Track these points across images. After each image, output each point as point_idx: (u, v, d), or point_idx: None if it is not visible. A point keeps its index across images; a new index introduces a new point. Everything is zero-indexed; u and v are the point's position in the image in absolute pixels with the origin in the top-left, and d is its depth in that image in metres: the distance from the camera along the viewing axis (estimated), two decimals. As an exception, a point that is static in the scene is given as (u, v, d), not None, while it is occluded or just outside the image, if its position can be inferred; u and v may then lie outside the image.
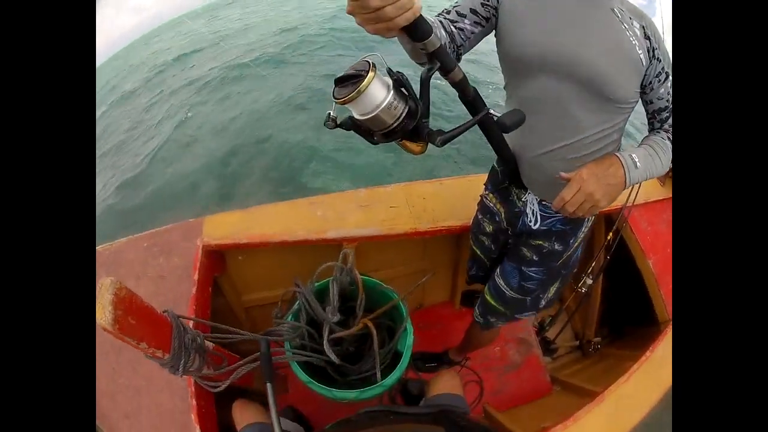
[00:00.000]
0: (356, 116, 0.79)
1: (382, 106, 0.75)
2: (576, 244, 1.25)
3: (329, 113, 0.81)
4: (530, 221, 1.21)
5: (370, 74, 0.72)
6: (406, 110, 0.78)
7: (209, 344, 1.17)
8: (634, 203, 1.74)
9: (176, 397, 1.30)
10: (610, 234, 1.83)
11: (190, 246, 1.55)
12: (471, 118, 0.88)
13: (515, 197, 1.24)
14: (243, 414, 1.23)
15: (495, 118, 0.82)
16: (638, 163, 0.92)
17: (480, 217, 1.43)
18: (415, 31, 0.70)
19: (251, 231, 1.53)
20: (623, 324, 2.31)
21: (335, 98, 0.75)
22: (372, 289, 1.40)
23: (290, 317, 1.38)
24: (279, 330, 1.33)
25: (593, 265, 1.94)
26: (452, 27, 0.99)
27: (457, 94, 0.85)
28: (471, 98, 0.83)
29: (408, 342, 1.36)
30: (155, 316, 0.94)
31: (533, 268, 1.29)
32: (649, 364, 1.44)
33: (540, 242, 1.24)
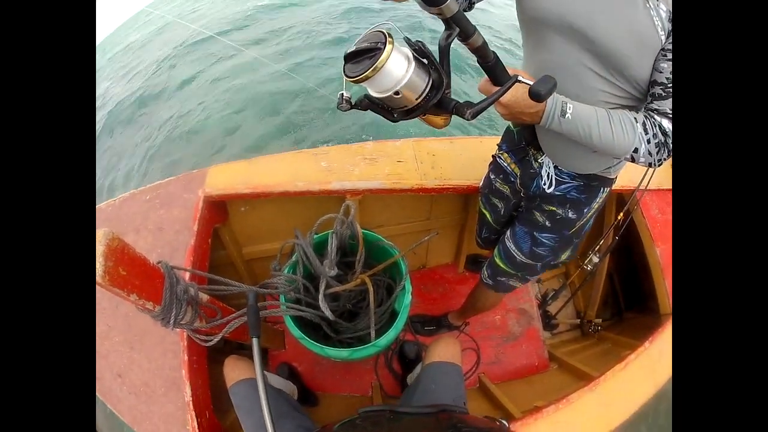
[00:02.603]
0: (374, 94, 0.72)
1: (404, 81, 0.68)
2: (590, 213, 1.21)
3: (341, 93, 0.74)
4: (544, 184, 1.17)
5: (388, 47, 0.65)
6: (430, 83, 0.71)
7: (204, 296, 1.14)
8: (647, 188, 1.68)
9: (168, 353, 1.28)
10: (621, 214, 1.78)
11: (191, 197, 1.52)
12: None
13: (532, 158, 1.20)
14: (234, 370, 1.20)
15: (529, 87, 0.74)
16: (569, 115, 0.86)
17: (492, 177, 1.39)
18: None
19: (254, 181, 1.50)
20: (625, 309, 2.28)
21: (348, 76, 0.68)
22: (373, 244, 1.37)
23: (288, 270, 1.36)
24: (273, 282, 1.31)
25: (601, 243, 1.90)
26: None
27: (477, 60, 0.77)
28: (492, 64, 0.77)
29: (405, 302, 1.34)
30: (147, 267, 0.92)
31: (545, 234, 1.26)
32: (647, 356, 1.42)
33: (553, 208, 1.21)
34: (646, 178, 1.66)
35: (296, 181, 1.48)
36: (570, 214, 1.20)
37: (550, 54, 0.94)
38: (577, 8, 0.86)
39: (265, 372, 1.36)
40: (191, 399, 1.20)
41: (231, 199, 1.55)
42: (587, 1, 0.85)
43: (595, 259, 1.89)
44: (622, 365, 1.37)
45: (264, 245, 1.76)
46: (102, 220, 1.49)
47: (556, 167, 1.14)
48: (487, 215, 1.49)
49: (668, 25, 0.83)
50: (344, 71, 0.69)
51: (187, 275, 1.29)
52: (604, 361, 1.60)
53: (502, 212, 1.43)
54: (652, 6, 0.81)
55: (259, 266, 1.84)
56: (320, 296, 1.29)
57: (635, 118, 0.88)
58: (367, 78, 0.66)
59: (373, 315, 1.32)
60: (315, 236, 1.34)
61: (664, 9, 0.82)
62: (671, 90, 0.85)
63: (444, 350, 1.24)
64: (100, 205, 1.56)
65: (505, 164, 1.32)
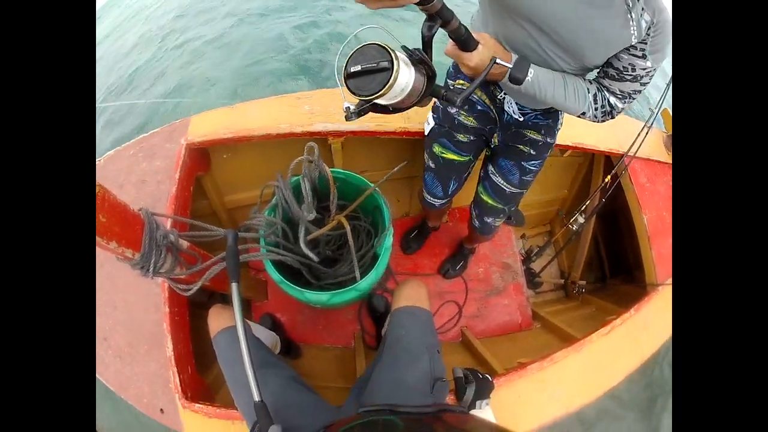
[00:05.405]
0: (381, 102, 0.77)
1: (408, 89, 0.74)
2: (557, 133, 1.33)
3: (348, 107, 0.79)
4: (514, 113, 1.24)
5: (395, 66, 0.69)
6: (426, 81, 0.79)
7: (184, 243, 1.10)
8: (636, 155, 1.69)
9: (151, 308, 1.28)
10: (608, 177, 1.78)
11: (174, 147, 1.51)
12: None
13: (494, 90, 1.23)
14: (217, 319, 1.16)
15: (509, 72, 0.91)
16: (529, 78, 0.95)
17: (454, 111, 1.31)
18: None
19: (236, 126, 1.49)
20: (609, 275, 2.30)
21: (360, 95, 0.72)
22: (349, 184, 1.36)
23: (267, 213, 1.34)
24: (253, 224, 1.29)
25: (587, 203, 1.90)
26: None
27: (449, 34, 0.85)
28: (465, 37, 0.85)
29: (386, 244, 1.33)
30: (128, 214, 0.90)
31: (532, 162, 1.33)
32: (632, 324, 1.44)
33: (532, 134, 1.28)
34: (636, 144, 1.67)
35: (279, 125, 1.47)
36: (548, 140, 1.30)
37: (517, 35, 0.99)
38: (553, 12, 0.90)
39: (249, 321, 1.35)
40: (173, 354, 1.20)
41: (213, 145, 1.54)
42: (565, 8, 0.89)
43: (581, 219, 1.90)
44: (606, 329, 1.39)
45: (246, 193, 1.76)
46: None
47: (516, 102, 1.23)
48: (455, 158, 1.39)
49: (644, 34, 0.89)
50: (349, 88, 0.72)
51: (168, 223, 1.27)
52: (588, 325, 1.61)
53: (469, 149, 1.37)
54: (634, 18, 0.87)
55: (241, 215, 1.83)
56: (301, 239, 1.29)
57: (588, 89, 1.03)
58: (382, 95, 0.70)
59: (355, 255, 1.32)
60: (291, 180, 1.32)
61: (648, 19, 0.87)
62: (624, 76, 0.98)
63: (409, 293, 1.20)
64: None
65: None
